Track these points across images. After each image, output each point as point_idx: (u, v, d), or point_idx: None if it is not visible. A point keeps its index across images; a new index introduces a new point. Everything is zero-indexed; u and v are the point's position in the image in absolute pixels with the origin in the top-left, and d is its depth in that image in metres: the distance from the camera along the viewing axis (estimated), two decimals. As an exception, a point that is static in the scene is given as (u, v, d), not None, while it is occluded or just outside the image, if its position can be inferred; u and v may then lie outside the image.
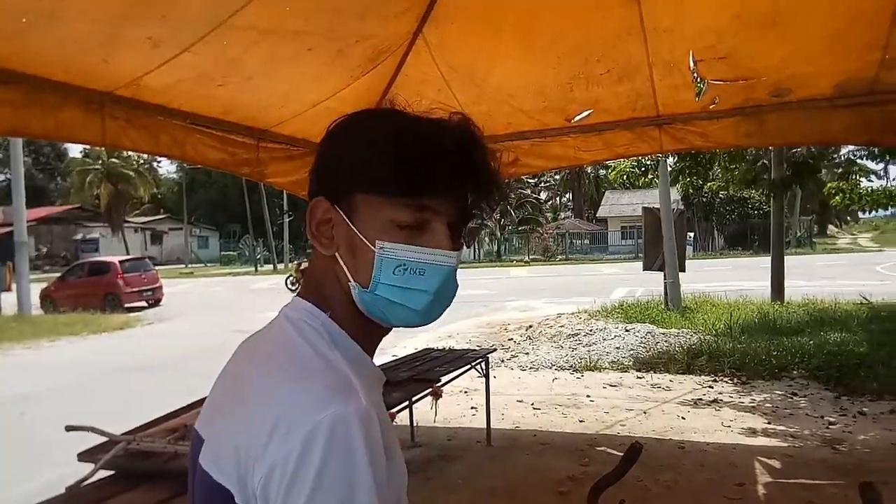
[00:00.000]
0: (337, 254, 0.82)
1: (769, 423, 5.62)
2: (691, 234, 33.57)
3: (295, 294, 0.89)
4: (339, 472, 0.68)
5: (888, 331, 8.92)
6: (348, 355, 0.80)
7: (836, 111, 4.26)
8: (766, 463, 4.62)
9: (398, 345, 9.04)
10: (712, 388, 6.98)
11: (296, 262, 25.46)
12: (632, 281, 19.46)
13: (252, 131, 4.35)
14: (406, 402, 3.91)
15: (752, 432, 5.37)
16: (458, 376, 4.89)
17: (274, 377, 0.77)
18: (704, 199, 36.75)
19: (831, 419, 5.66)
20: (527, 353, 9.17)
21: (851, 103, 4.16)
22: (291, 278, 22.76)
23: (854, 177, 16.90)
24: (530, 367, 8.32)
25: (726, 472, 4.43)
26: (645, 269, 13.45)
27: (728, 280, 19.13)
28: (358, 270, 0.81)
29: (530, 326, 11.43)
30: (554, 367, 8.24)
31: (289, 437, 0.69)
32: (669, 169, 13.27)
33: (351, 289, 0.82)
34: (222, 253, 47.70)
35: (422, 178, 0.78)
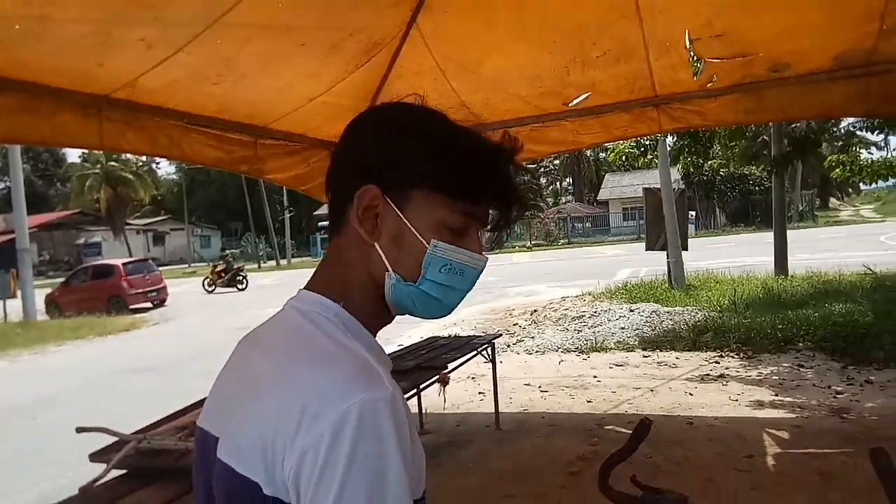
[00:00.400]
0: (377, 243, 0.83)
1: (776, 395, 5.65)
2: (693, 213, 33.50)
3: (303, 287, 0.90)
4: (369, 458, 0.69)
5: (893, 300, 8.93)
6: (364, 343, 0.82)
7: (835, 84, 4.24)
8: (775, 434, 4.65)
9: (404, 334, 9.08)
10: (719, 363, 7.01)
11: (212, 264, 25.45)
12: (635, 261, 19.48)
13: (249, 128, 4.35)
14: (414, 390, 3.93)
15: (760, 405, 5.40)
16: (464, 363, 4.92)
17: (293, 367, 0.77)
18: (705, 178, 36.64)
19: (838, 389, 5.69)
20: (532, 337, 9.20)
21: (850, 75, 4.15)
22: (208, 280, 23.04)
23: (854, 149, 16.84)
24: (536, 351, 8.35)
25: (735, 446, 4.46)
26: (647, 249, 13.46)
27: (731, 257, 19.14)
28: (401, 262, 0.83)
29: (535, 311, 11.45)
30: (560, 350, 8.28)
31: (317, 424, 0.69)
32: (669, 148, 13.24)
33: (387, 278, 0.84)
34: (225, 251, 47.68)
35: (486, 190, 0.84)
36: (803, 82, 4.31)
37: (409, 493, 0.71)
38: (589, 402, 5.89)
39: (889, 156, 16.37)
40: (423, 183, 0.82)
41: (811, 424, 4.83)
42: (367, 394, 0.71)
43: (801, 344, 7.37)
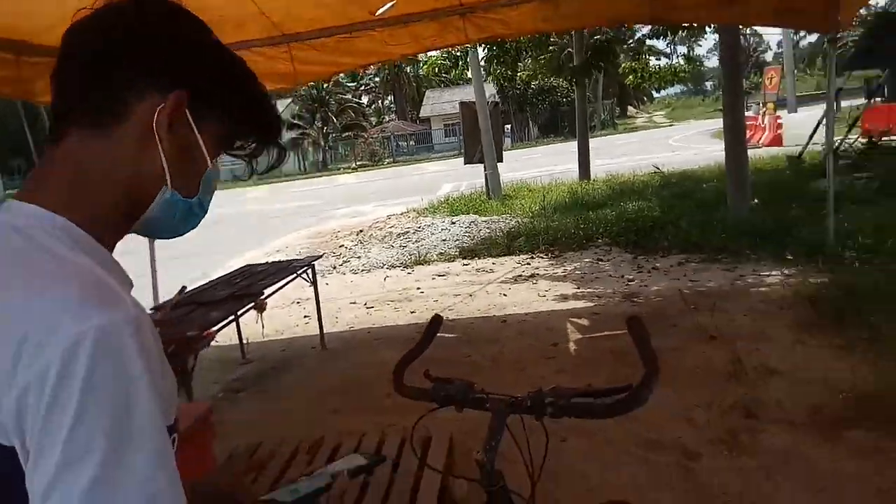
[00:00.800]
0: (162, 150, 0.76)
1: (578, 288, 6.20)
2: (508, 126, 34.92)
3: (9, 198, 0.76)
4: (110, 382, 0.60)
5: (677, 195, 10.12)
6: (98, 259, 0.71)
7: (624, -9, 4.50)
8: (577, 323, 5.13)
9: (225, 265, 8.69)
10: (530, 264, 7.52)
11: None
12: (455, 176, 20.05)
13: (9, 44, 3.77)
14: (227, 320, 3.76)
15: (565, 298, 5.90)
16: (281, 287, 4.81)
17: (4, 291, 0.65)
18: (518, 91, 38.15)
19: (630, 277, 6.37)
20: (358, 257, 9.24)
21: (638, -18, 4.42)
22: None
23: (644, 57, 18.30)
24: (362, 270, 8.41)
25: (543, 337, 4.86)
26: (466, 162, 13.89)
27: (542, 166, 20.33)
28: (179, 177, 0.79)
29: (361, 231, 11.50)
30: (385, 267, 8.41)
31: (43, 354, 0.59)
32: (483, 64, 13.49)
33: (162, 190, 0.78)
34: (7, 192, 42.09)
35: (266, 125, 0.87)
36: (594, -10, 4.53)
37: (161, 420, 0.64)
38: (413, 312, 6.08)
39: (674, 62, 18.04)
40: (223, 105, 0.80)
41: (607, 311, 5.37)
42: (104, 316, 0.62)
43: (599, 240, 8.11)
